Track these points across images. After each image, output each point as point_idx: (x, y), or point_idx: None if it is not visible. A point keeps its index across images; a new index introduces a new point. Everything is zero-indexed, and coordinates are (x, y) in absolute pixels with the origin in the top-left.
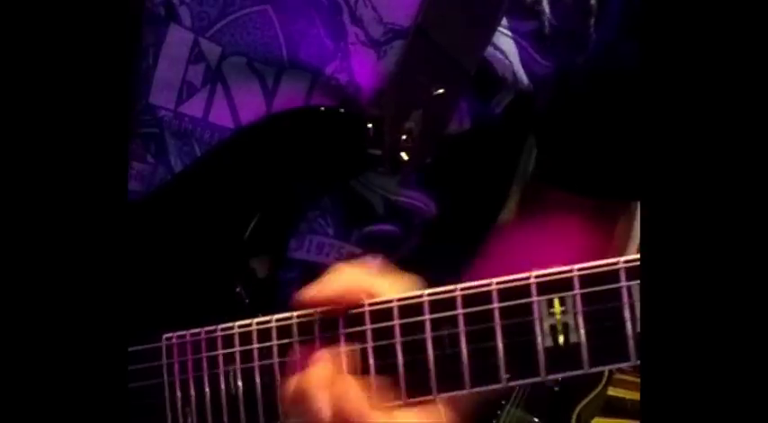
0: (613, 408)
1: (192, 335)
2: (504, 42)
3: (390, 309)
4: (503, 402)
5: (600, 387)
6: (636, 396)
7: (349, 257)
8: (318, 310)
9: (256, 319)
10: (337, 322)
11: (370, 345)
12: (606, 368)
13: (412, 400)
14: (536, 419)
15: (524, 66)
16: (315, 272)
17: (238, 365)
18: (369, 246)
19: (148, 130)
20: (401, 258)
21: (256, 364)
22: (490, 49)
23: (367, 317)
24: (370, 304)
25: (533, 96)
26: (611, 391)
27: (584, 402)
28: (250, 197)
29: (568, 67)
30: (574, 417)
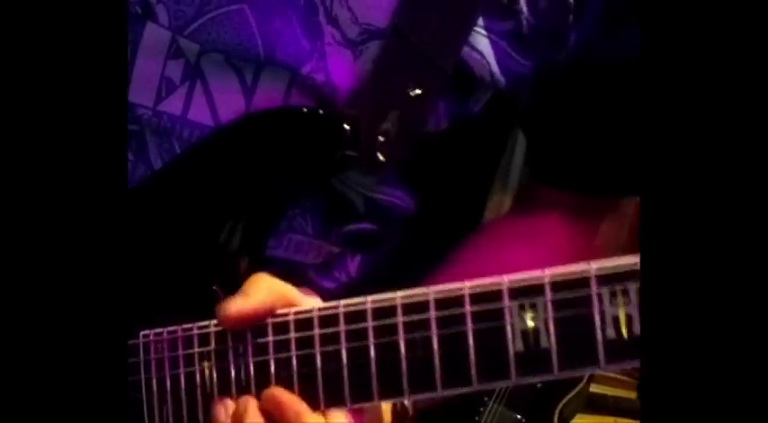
0: (595, 404)
1: (169, 332)
2: (481, 42)
3: (364, 311)
4: (485, 399)
5: (582, 384)
6: (617, 392)
7: (328, 256)
8: (294, 310)
9: None
10: (311, 322)
11: (344, 346)
12: (576, 373)
13: (383, 400)
14: (518, 416)
15: (503, 65)
16: (293, 270)
17: (214, 363)
18: (347, 244)
19: (130, 127)
20: (380, 257)
21: (231, 362)
22: (467, 50)
23: (341, 318)
24: (338, 307)
25: (513, 95)
26: (593, 388)
27: (566, 399)
28: (228, 196)
29: (548, 65)
30: (556, 413)
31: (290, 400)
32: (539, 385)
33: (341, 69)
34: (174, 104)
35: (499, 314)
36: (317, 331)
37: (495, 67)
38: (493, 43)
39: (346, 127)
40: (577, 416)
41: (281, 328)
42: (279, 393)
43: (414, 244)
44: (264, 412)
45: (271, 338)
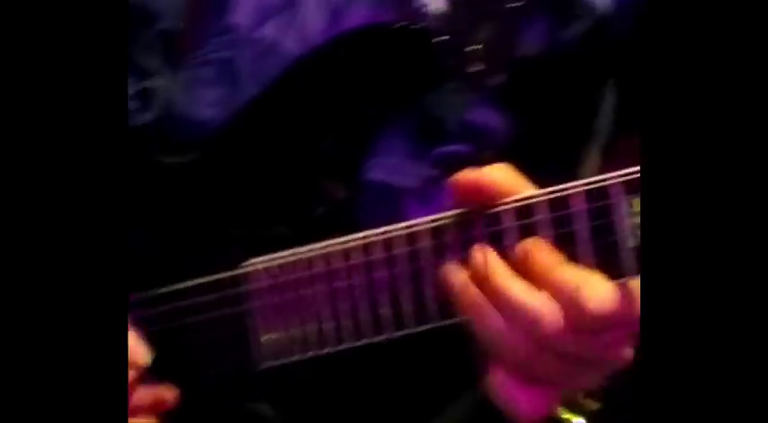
0: None
1: (274, 259)
2: None
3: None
4: None
5: None
6: None
7: (424, 180)
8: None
9: (336, 240)
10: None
11: None
12: None
13: None
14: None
15: None
16: (389, 194)
17: (322, 287)
18: (442, 166)
19: (222, 54)
20: None
21: (340, 284)
22: None
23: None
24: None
25: (612, 22)
26: None
27: None
28: (324, 119)
29: None
30: None
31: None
32: None
33: None
34: (269, 31)
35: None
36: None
37: None
38: None
39: (441, 38)
40: None
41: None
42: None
43: None
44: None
45: (379, 256)
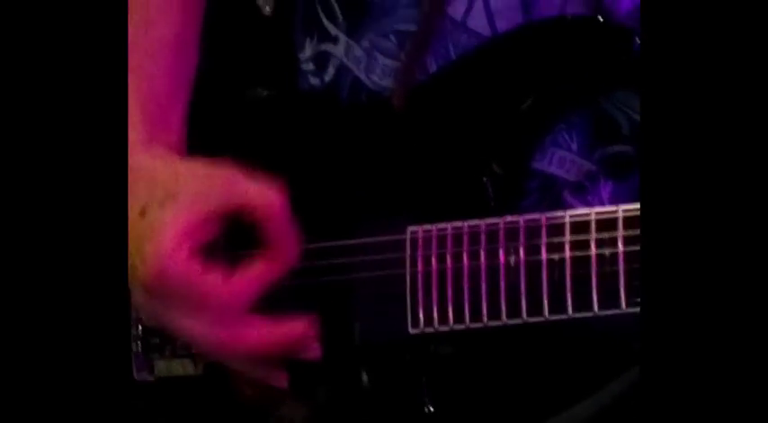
0: None
1: (439, 229)
2: None
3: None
4: None
5: None
6: None
7: (584, 174)
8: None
9: (504, 219)
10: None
11: None
12: None
13: None
14: None
15: None
16: (550, 186)
17: (483, 262)
18: (607, 166)
19: (407, 27)
20: (631, 187)
21: (501, 261)
22: None
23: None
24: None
25: None
26: None
27: None
28: (502, 101)
29: None
30: None
31: None
32: None
33: None
34: (456, 9)
35: None
36: (593, 235)
37: None
38: None
39: (635, 38)
40: None
41: (557, 229)
42: None
43: None
44: None
45: (544, 240)
